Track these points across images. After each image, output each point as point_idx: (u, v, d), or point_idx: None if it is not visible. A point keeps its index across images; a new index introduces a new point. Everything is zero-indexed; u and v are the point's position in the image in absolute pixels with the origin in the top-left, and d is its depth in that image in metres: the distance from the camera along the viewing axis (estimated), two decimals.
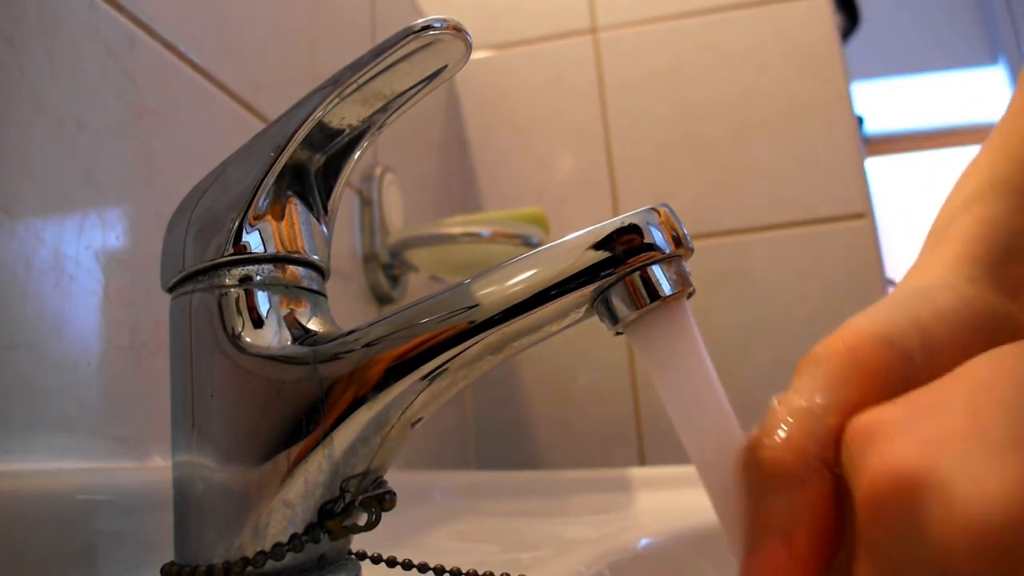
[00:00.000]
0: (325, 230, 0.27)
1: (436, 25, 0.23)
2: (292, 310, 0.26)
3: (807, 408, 0.19)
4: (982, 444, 0.15)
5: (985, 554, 0.14)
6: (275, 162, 0.25)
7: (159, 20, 0.45)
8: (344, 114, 0.26)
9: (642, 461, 0.98)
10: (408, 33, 0.23)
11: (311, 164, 0.27)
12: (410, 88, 0.25)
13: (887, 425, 0.17)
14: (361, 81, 0.24)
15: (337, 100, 0.25)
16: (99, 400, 0.37)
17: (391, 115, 0.26)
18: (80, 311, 0.36)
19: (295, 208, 0.26)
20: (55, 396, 0.34)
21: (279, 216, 0.26)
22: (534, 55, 1.12)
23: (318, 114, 0.25)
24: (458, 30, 0.24)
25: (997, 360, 0.17)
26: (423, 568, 0.27)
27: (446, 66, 0.25)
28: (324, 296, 0.27)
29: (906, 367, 0.20)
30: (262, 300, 0.25)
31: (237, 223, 0.25)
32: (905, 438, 0.16)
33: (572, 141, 1.08)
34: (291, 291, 0.26)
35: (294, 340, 0.25)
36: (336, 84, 0.25)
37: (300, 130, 0.25)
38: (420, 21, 0.23)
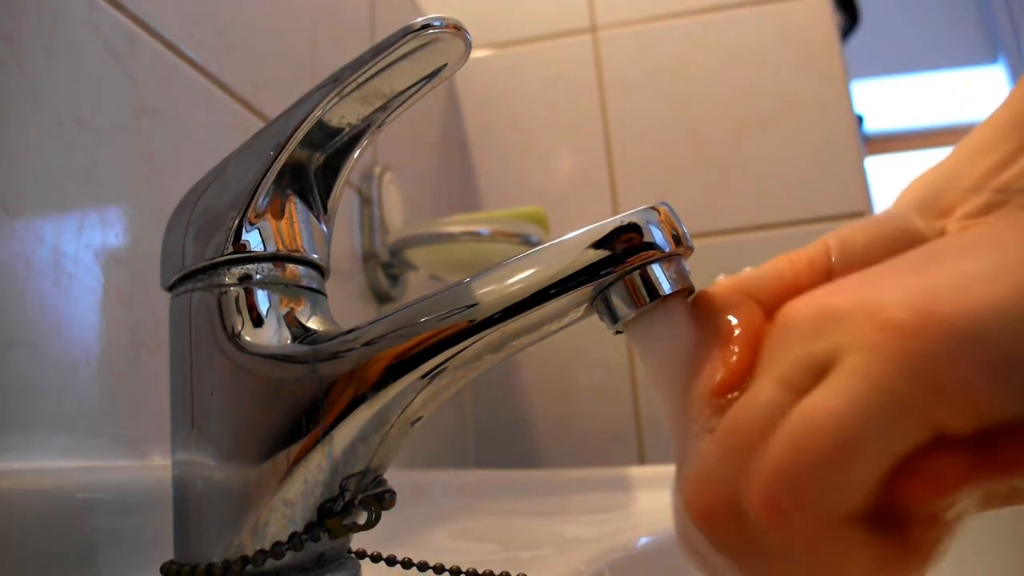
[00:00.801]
0: (325, 229, 0.27)
1: (436, 24, 0.23)
2: (292, 309, 0.26)
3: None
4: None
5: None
6: (275, 161, 0.25)
7: (159, 19, 0.45)
8: (344, 113, 0.26)
9: (642, 460, 0.98)
10: (408, 32, 0.23)
11: (311, 163, 0.27)
12: (410, 87, 0.25)
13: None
14: (361, 80, 0.24)
15: (337, 99, 0.25)
16: (99, 399, 0.37)
17: (391, 114, 0.26)
18: (80, 310, 0.36)
19: (295, 207, 0.26)
20: (54, 395, 0.34)
21: (279, 215, 0.26)
22: (534, 54, 1.12)
23: (318, 113, 0.25)
24: (458, 29, 0.24)
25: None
26: (423, 567, 0.27)
27: (446, 65, 0.25)
28: (324, 295, 0.27)
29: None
30: (262, 299, 0.25)
31: (237, 222, 0.25)
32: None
33: (572, 140, 1.08)
34: (291, 290, 0.26)
35: (294, 339, 0.25)
36: (336, 83, 0.25)
37: (300, 129, 0.25)
38: (420, 20, 0.23)
